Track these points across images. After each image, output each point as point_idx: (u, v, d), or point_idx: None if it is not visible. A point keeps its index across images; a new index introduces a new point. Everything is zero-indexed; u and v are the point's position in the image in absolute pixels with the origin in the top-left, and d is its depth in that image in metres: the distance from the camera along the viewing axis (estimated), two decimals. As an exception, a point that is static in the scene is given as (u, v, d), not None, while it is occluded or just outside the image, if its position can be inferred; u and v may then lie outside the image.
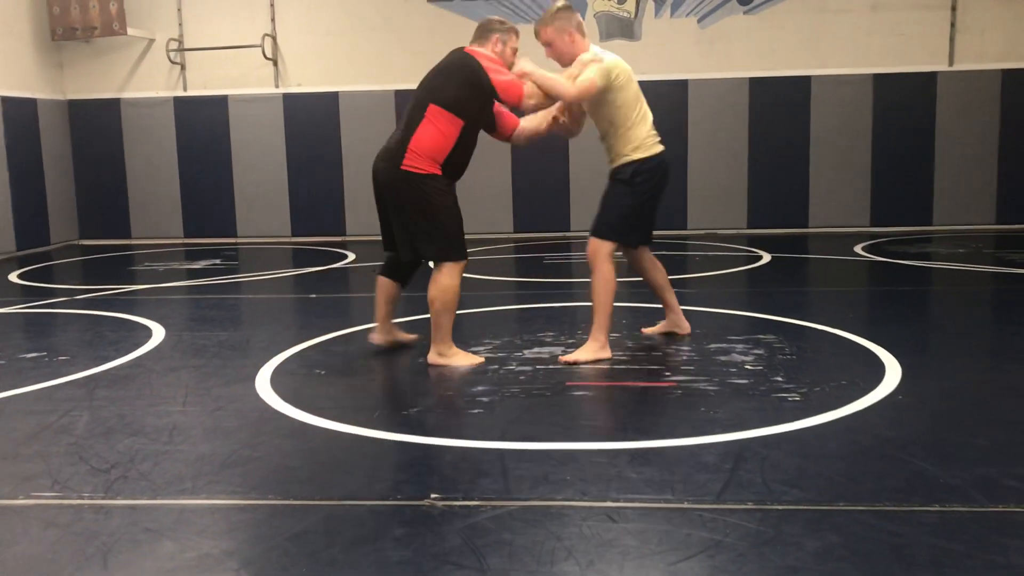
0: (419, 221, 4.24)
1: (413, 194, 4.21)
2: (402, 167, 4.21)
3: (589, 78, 4.27)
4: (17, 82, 9.94)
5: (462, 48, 4.39)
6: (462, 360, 4.37)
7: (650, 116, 4.46)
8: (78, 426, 3.53)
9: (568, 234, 10.23)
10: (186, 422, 3.56)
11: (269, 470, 3.02)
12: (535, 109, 4.36)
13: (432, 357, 4.38)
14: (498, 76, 4.22)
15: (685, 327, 4.81)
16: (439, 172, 4.25)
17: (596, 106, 4.41)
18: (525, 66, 4.29)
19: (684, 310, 4.91)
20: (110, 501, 2.77)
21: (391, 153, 4.27)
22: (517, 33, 4.48)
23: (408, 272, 4.61)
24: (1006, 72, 9.67)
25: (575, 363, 4.31)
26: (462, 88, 4.22)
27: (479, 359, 4.41)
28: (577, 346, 4.55)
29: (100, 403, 3.85)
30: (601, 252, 4.41)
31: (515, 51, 4.47)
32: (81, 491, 2.85)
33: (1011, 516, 2.51)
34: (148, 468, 3.04)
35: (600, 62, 4.30)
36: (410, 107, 4.32)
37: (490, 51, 4.36)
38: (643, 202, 4.47)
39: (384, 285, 4.59)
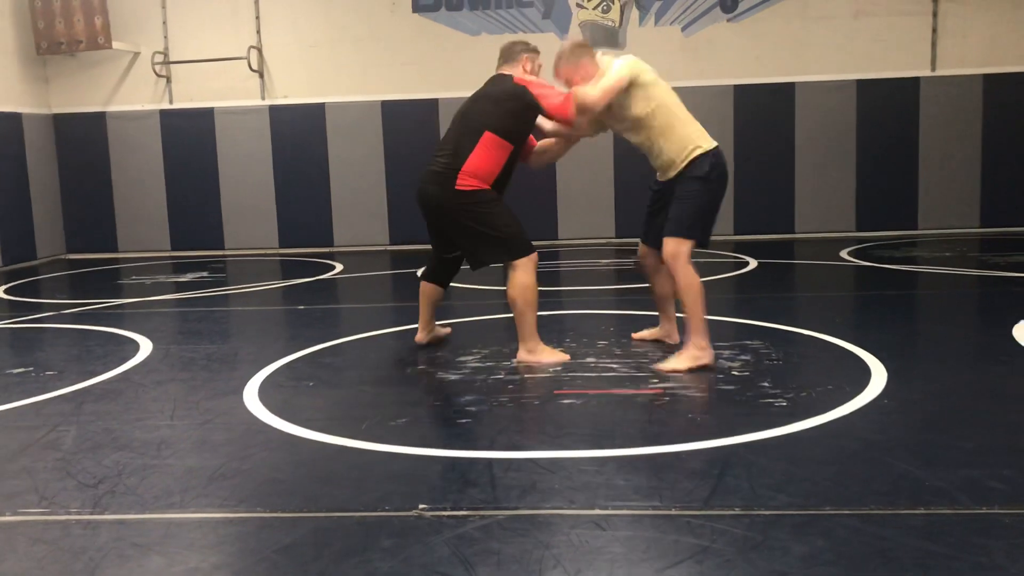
0: (482, 232, 4.43)
1: (471, 209, 4.41)
2: (456, 188, 4.39)
3: (612, 76, 4.22)
4: (2, 96, 9.91)
5: (510, 76, 4.51)
6: (550, 357, 4.51)
7: None
8: (65, 441, 3.52)
9: (556, 242, 10.26)
10: (174, 436, 3.55)
11: (257, 483, 3.02)
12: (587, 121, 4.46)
13: (522, 355, 4.51)
14: (549, 101, 4.38)
15: (675, 338, 4.81)
16: (489, 188, 4.45)
17: (641, 113, 4.31)
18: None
19: (671, 317, 4.93)
20: (98, 516, 2.76)
21: (442, 178, 4.44)
22: (538, 52, 4.68)
23: (451, 274, 4.87)
24: (987, 76, 9.74)
25: (673, 372, 4.18)
26: (511, 116, 4.41)
27: (566, 356, 4.54)
28: (569, 352, 4.56)
29: (87, 418, 3.84)
30: (681, 254, 4.24)
31: (540, 67, 4.66)
32: (68, 507, 2.84)
33: (996, 518, 2.53)
34: (136, 482, 3.04)
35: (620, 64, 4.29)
36: (459, 131, 4.48)
37: (523, 71, 4.54)
38: (715, 199, 4.34)
39: (427, 290, 4.88)
